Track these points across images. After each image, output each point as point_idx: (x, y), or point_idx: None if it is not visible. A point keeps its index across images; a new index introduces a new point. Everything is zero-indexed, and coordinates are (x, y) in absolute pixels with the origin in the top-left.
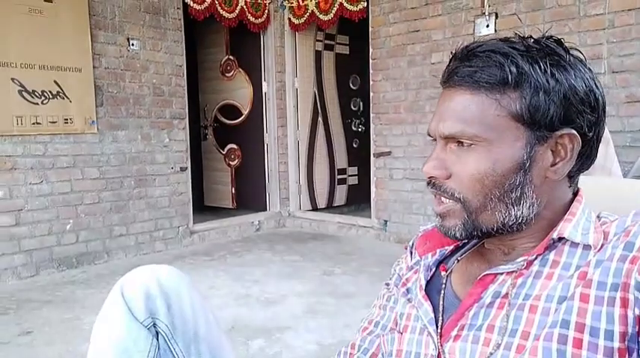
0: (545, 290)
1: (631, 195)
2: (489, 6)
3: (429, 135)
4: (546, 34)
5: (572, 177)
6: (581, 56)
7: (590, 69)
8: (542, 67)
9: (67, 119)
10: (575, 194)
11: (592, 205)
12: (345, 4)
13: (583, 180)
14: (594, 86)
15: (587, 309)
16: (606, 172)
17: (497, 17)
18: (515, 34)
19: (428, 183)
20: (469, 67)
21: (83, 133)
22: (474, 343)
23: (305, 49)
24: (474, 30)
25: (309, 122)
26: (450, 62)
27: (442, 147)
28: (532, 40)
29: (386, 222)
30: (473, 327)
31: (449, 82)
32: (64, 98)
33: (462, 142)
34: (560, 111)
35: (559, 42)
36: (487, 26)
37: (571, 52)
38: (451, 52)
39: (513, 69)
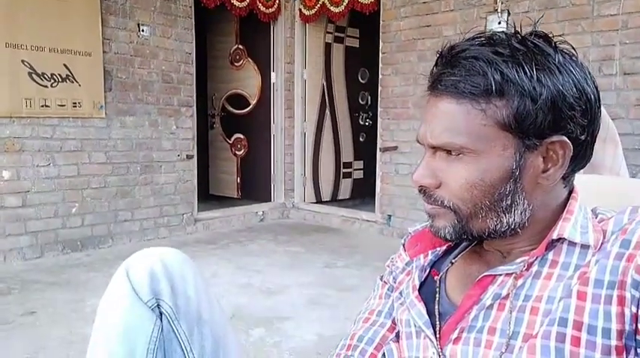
0: (545, 290)
1: (637, 194)
2: (502, 3)
3: (418, 142)
4: (535, 29)
5: (566, 178)
6: (573, 51)
7: (582, 65)
8: (528, 72)
9: (75, 103)
10: (571, 191)
11: (597, 204)
12: None
13: (590, 179)
14: (586, 86)
15: (585, 307)
16: (614, 174)
17: (509, 14)
18: (502, 31)
19: (419, 191)
20: (453, 75)
21: (91, 117)
22: (476, 346)
23: (315, 40)
24: (485, 27)
25: (316, 114)
26: (436, 64)
27: (431, 155)
28: (518, 39)
29: (390, 216)
30: (473, 329)
31: (434, 90)
32: (73, 82)
33: (450, 151)
34: (548, 118)
35: (547, 38)
36: (499, 23)
37: (561, 48)
38: (437, 52)
39: (497, 77)
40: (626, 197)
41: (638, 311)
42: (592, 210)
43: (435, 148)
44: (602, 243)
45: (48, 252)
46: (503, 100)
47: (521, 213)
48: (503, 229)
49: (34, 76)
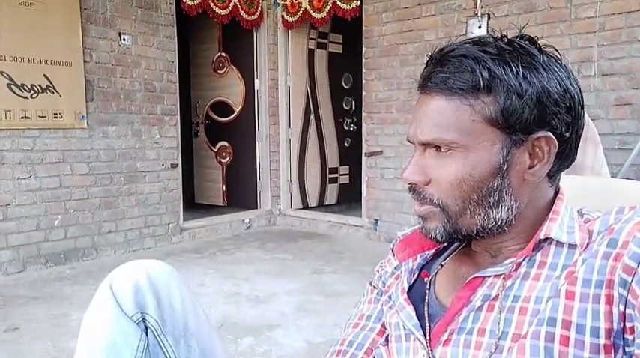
0: (533, 291)
1: (618, 194)
2: (482, 7)
3: (409, 141)
4: (520, 33)
5: (552, 176)
6: (557, 54)
7: (565, 67)
8: (514, 69)
9: (56, 114)
10: (557, 192)
11: (580, 204)
12: (339, 3)
13: (571, 179)
14: (569, 85)
15: (573, 306)
16: (595, 174)
17: (489, 18)
18: (490, 34)
19: (409, 189)
20: (442, 72)
21: (73, 128)
22: (466, 347)
23: (298, 47)
24: (466, 31)
25: (301, 120)
26: (426, 65)
27: (421, 153)
28: (505, 41)
29: (377, 221)
30: (463, 331)
31: (424, 88)
32: (53, 92)
33: (439, 148)
34: (534, 113)
35: (532, 41)
36: (479, 27)
37: (545, 50)
38: (427, 55)
39: (485, 73)
40: (608, 197)
41: (625, 309)
42: (577, 211)
43: (424, 145)
44: (588, 243)
45: (30, 265)
46: (490, 96)
47: (509, 209)
48: (490, 226)
49: (13, 87)
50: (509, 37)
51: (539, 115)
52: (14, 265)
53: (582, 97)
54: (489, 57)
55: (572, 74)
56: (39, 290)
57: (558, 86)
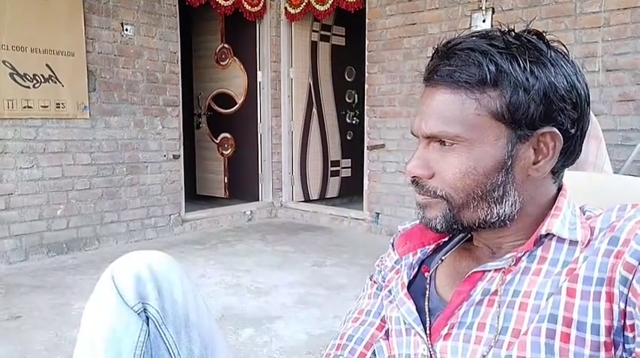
0: (534, 286)
1: (620, 191)
2: (486, 0)
3: (413, 134)
4: (528, 28)
5: (556, 173)
6: (564, 49)
7: (573, 63)
8: (522, 64)
9: (58, 104)
10: (560, 188)
11: (582, 201)
12: None
13: (574, 175)
14: (576, 81)
15: (574, 304)
16: (597, 170)
17: (493, 12)
18: (497, 27)
19: (412, 182)
20: (449, 65)
21: (75, 118)
22: (466, 342)
23: (301, 39)
24: (470, 24)
25: (303, 113)
26: (432, 58)
27: (425, 146)
28: (513, 35)
29: (378, 214)
30: (463, 326)
31: (430, 81)
32: (56, 82)
33: (444, 141)
34: (540, 109)
35: (540, 36)
36: (483, 21)
37: (553, 45)
38: (433, 48)
39: (492, 67)
40: (610, 194)
41: (626, 307)
42: (580, 208)
43: (429, 138)
44: (589, 240)
45: (33, 255)
46: (497, 91)
47: (512, 204)
48: (493, 220)
49: (15, 76)
50: (516, 31)
51: (545, 111)
52: (17, 254)
53: (589, 94)
54: (497, 50)
55: (580, 70)
56: (41, 279)
57: (565, 82)
